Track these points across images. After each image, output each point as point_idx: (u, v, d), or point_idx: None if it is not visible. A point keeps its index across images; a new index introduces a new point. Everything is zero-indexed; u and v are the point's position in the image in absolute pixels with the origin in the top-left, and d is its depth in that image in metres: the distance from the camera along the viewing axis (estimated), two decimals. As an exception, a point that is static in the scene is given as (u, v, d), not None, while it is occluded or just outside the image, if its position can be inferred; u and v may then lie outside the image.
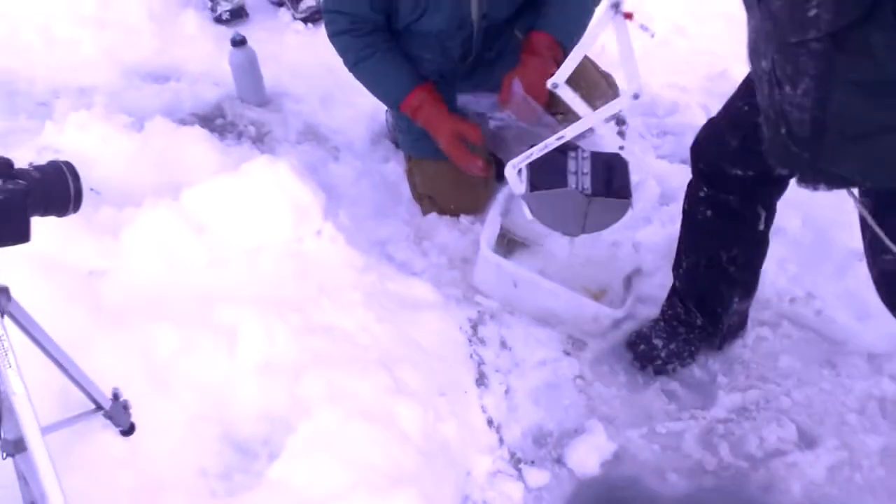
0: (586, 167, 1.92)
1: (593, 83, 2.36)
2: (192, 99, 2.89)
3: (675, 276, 2.15)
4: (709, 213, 1.97)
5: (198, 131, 2.59)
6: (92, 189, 2.37)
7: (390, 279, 2.21)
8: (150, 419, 1.71)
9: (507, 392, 2.03)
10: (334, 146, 2.83)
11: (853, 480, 1.88)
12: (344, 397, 1.77)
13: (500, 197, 2.31)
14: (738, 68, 1.58)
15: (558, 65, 2.19)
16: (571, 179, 1.90)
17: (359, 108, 2.95)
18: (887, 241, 1.48)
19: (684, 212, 2.06)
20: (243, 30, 3.06)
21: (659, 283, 2.30)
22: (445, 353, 2.05)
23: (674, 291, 2.18)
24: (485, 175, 2.34)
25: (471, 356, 2.08)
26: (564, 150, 1.90)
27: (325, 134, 2.88)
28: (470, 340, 2.12)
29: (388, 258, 2.36)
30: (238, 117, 2.85)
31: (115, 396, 1.64)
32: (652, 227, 2.50)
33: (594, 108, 1.81)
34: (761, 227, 1.93)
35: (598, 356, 2.18)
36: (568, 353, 2.16)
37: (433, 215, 2.51)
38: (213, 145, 2.56)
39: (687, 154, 2.84)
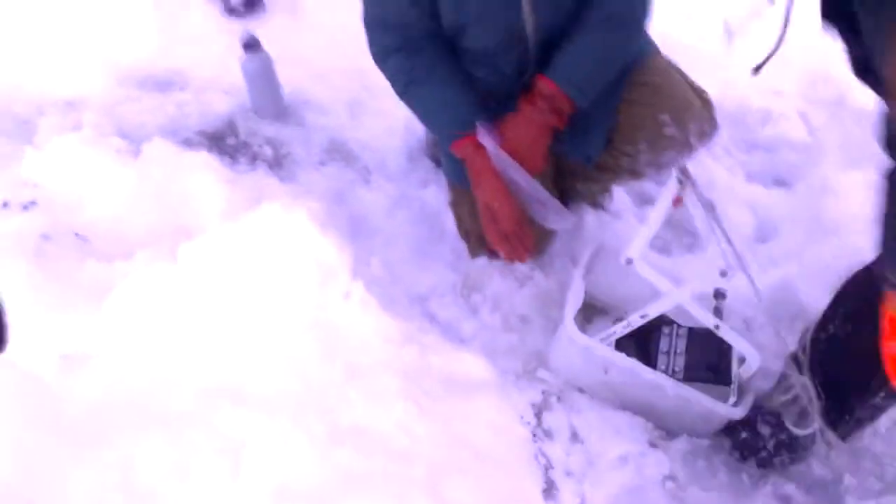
0: (681, 346, 1.81)
1: (684, 104, 1.87)
2: (200, 113, 2.47)
3: (811, 346, 1.63)
4: None
5: (204, 157, 2.20)
6: (77, 235, 2.00)
7: (434, 351, 1.80)
8: (134, 571, 1.33)
9: (581, 504, 1.63)
10: (364, 166, 2.42)
11: None
12: (381, 538, 1.38)
13: (585, 256, 1.88)
14: (844, 70, 1.19)
15: (560, 117, 1.79)
16: (661, 360, 1.79)
17: (392, 115, 2.53)
18: None
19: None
20: (258, 24, 2.63)
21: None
22: (504, 456, 1.64)
23: (794, 365, 1.72)
24: (511, 261, 1.97)
25: (535, 457, 1.67)
26: (659, 324, 1.79)
27: (355, 151, 2.47)
28: (534, 435, 1.71)
29: (431, 319, 1.95)
30: (252, 135, 2.43)
31: (86, 556, 1.27)
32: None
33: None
34: None
35: (691, 448, 1.76)
36: (654, 446, 1.74)
37: (483, 259, 2.08)
38: (222, 175, 2.16)
39: (783, 175, 2.43)
